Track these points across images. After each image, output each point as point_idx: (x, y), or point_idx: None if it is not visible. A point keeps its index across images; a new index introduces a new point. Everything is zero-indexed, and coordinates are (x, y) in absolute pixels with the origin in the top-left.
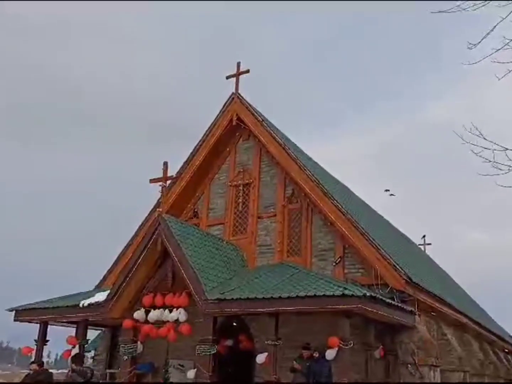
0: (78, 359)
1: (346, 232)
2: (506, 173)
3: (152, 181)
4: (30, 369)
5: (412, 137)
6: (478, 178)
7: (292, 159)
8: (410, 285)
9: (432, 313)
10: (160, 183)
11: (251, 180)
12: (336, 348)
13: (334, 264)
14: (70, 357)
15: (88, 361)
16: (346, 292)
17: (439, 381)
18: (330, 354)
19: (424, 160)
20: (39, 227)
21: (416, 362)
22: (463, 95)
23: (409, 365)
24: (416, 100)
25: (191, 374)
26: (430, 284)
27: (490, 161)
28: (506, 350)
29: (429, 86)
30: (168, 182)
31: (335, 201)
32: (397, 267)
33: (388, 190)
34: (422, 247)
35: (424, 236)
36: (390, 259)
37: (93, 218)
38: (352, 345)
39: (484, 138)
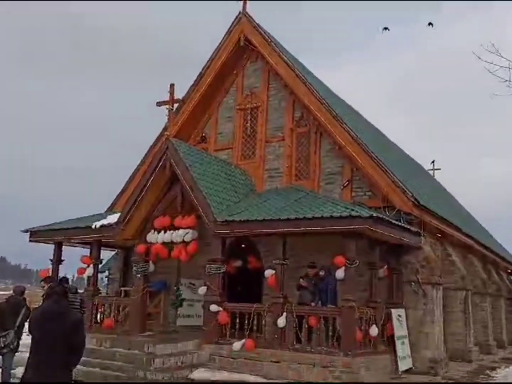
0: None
1: (355, 155)
2: None
3: (159, 104)
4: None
5: (425, 67)
6: (492, 103)
7: (301, 81)
8: (417, 207)
9: (438, 234)
10: (167, 106)
11: (259, 104)
12: (343, 267)
13: (342, 187)
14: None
15: (104, 281)
16: (353, 213)
17: (441, 298)
18: (337, 273)
19: (438, 90)
20: (53, 160)
21: (420, 280)
22: (481, 20)
23: (412, 283)
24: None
25: (202, 290)
26: (437, 207)
27: (506, 81)
28: (509, 271)
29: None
30: (176, 106)
31: (344, 125)
32: (405, 189)
33: (387, 28)
34: (431, 172)
35: (433, 162)
36: (398, 181)
37: (107, 153)
38: (357, 264)
39: (501, 56)
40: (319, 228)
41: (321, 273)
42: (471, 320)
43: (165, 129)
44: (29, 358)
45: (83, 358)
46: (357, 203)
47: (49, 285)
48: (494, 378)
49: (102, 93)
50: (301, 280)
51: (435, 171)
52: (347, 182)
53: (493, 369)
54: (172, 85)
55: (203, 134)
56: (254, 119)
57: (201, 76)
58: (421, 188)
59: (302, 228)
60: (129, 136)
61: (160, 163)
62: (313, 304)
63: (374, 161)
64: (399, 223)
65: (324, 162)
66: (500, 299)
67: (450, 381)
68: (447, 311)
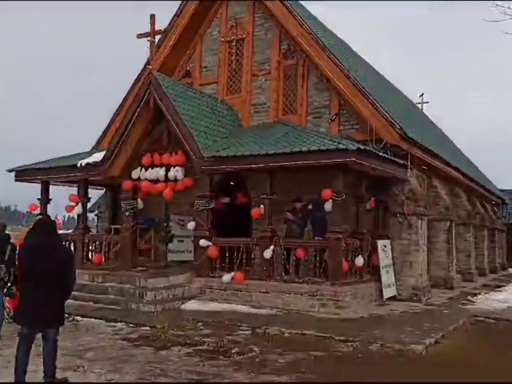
0: None
1: (343, 88)
2: None
3: (140, 35)
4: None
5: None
6: (483, 32)
7: (288, 10)
8: (405, 140)
9: (424, 167)
10: (148, 38)
11: (245, 35)
12: (330, 200)
13: (329, 121)
14: None
15: (94, 220)
16: (340, 146)
17: (425, 229)
18: (326, 206)
19: (426, 24)
20: (38, 96)
21: (405, 212)
22: None
23: (398, 215)
24: None
25: (191, 225)
26: (425, 140)
27: (497, 5)
28: (493, 202)
29: None
30: (158, 38)
31: (332, 56)
32: (393, 122)
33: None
34: (420, 105)
35: (422, 95)
36: (386, 114)
37: (94, 91)
38: (344, 197)
39: None
40: (306, 162)
41: (310, 206)
42: (454, 249)
43: (148, 63)
44: (20, 292)
45: (76, 293)
46: (345, 137)
47: (37, 217)
48: (474, 302)
49: (82, 27)
50: (287, 213)
51: (424, 104)
52: (334, 116)
53: (474, 295)
54: (152, 16)
55: (187, 69)
56: (240, 51)
57: (183, 5)
58: (409, 121)
59: (289, 163)
60: (114, 71)
61: (144, 98)
62: (300, 236)
63: (362, 94)
64: (386, 156)
65: (311, 96)
66: (483, 230)
67: (429, 307)
68: (431, 241)
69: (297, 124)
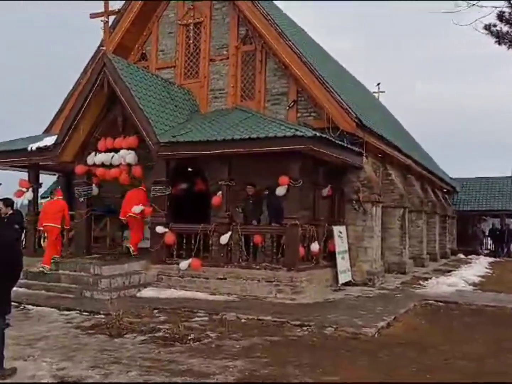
0: None
1: (300, 75)
2: (469, 7)
3: (92, 16)
4: None
5: None
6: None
7: None
8: (361, 128)
9: (379, 155)
10: (102, 18)
11: (202, 19)
12: (284, 186)
13: (287, 108)
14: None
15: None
16: (297, 133)
17: (380, 216)
18: (279, 191)
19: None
20: None
21: (361, 199)
22: None
23: (353, 202)
24: None
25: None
26: (380, 128)
27: None
28: (445, 190)
29: None
30: (112, 18)
31: (290, 42)
32: (349, 110)
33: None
34: (376, 95)
35: (378, 84)
36: (342, 102)
37: (41, 71)
38: (301, 183)
39: None
40: (264, 148)
41: (265, 192)
42: (407, 235)
43: (101, 44)
44: None
45: (28, 281)
46: (302, 124)
47: None
48: (425, 287)
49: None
50: (237, 208)
51: (380, 93)
52: (292, 103)
53: (425, 279)
54: None
55: (144, 51)
56: (198, 35)
57: None
58: (365, 109)
59: (247, 149)
60: (66, 53)
61: (98, 81)
62: (254, 222)
63: (319, 81)
64: (342, 143)
65: (270, 82)
66: (435, 216)
67: (383, 291)
68: (385, 228)
69: (255, 111)
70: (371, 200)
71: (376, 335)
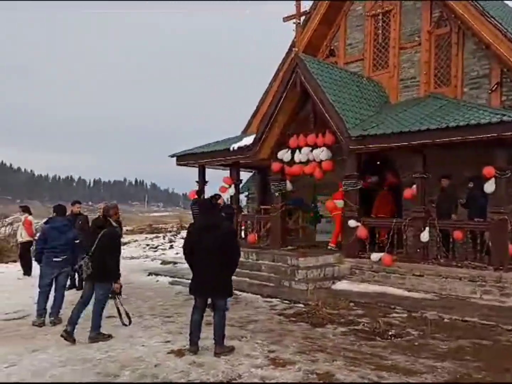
0: None
1: (505, 54)
2: None
3: (286, 19)
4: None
5: None
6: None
7: None
8: None
9: None
10: (294, 20)
11: (391, 7)
12: (492, 179)
13: (489, 91)
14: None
15: (242, 201)
16: (505, 118)
17: None
18: (487, 187)
19: None
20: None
21: None
22: None
23: None
24: None
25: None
26: None
27: None
28: None
29: None
30: (302, 19)
31: (493, 19)
32: None
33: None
34: None
35: None
36: None
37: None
38: (509, 175)
39: None
40: (464, 137)
41: (470, 185)
42: None
43: (292, 45)
44: (192, 267)
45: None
46: (508, 108)
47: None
48: None
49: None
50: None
51: None
52: (495, 86)
53: None
54: None
55: (332, 48)
56: (386, 25)
57: None
58: None
59: (444, 139)
60: (252, 60)
61: (291, 81)
62: (453, 217)
63: None
64: None
65: (468, 65)
66: None
67: None
68: None
69: (451, 97)
70: None
71: None
